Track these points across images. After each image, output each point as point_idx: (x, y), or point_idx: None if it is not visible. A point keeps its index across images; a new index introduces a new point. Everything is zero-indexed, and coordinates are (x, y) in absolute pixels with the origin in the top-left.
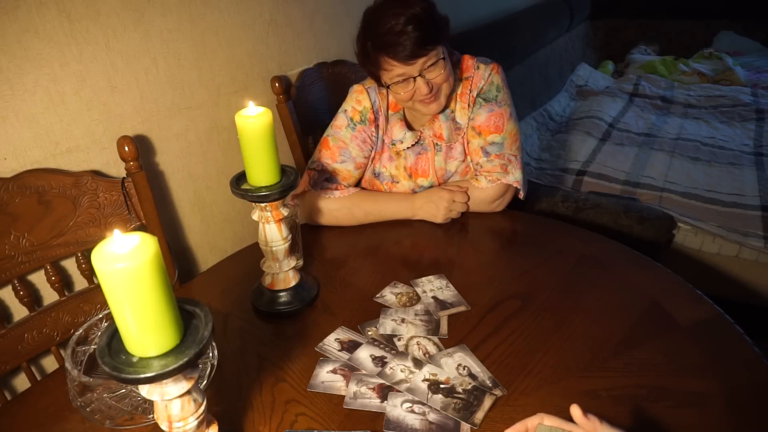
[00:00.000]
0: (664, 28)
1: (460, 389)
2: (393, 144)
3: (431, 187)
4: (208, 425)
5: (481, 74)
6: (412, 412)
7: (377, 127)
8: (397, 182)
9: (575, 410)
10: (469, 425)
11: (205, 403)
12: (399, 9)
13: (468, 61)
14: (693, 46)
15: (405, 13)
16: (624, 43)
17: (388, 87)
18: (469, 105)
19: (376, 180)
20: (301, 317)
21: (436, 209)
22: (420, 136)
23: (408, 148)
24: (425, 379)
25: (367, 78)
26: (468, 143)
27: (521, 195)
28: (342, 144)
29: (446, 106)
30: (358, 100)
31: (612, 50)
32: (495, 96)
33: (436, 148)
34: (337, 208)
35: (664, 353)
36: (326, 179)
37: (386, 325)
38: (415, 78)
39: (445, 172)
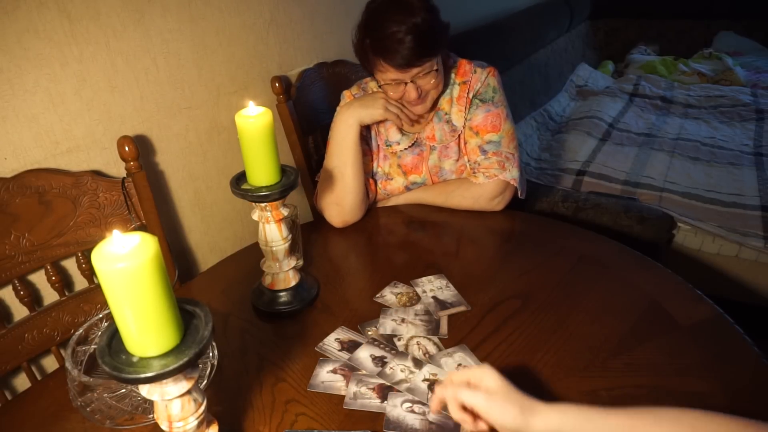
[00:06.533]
0: (664, 28)
1: None
2: (389, 145)
3: (424, 183)
4: (208, 425)
5: (478, 77)
6: (412, 412)
7: (368, 128)
8: (391, 179)
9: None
10: None
11: (205, 403)
12: (401, 15)
13: (465, 66)
14: (693, 46)
15: (406, 21)
16: (624, 43)
17: (380, 85)
18: (465, 107)
19: (371, 179)
20: (301, 317)
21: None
22: (417, 138)
23: (406, 149)
24: (425, 379)
25: (354, 85)
26: (465, 143)
27: (520, 194)
28: None
29: (439, 108)
30: None
31: (612, 50)
32: (492, 97)
33: (430, 147)
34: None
35: (664, 353)
36: None
37: (386, 325)
38: (406, 83)
39: (439, 170)
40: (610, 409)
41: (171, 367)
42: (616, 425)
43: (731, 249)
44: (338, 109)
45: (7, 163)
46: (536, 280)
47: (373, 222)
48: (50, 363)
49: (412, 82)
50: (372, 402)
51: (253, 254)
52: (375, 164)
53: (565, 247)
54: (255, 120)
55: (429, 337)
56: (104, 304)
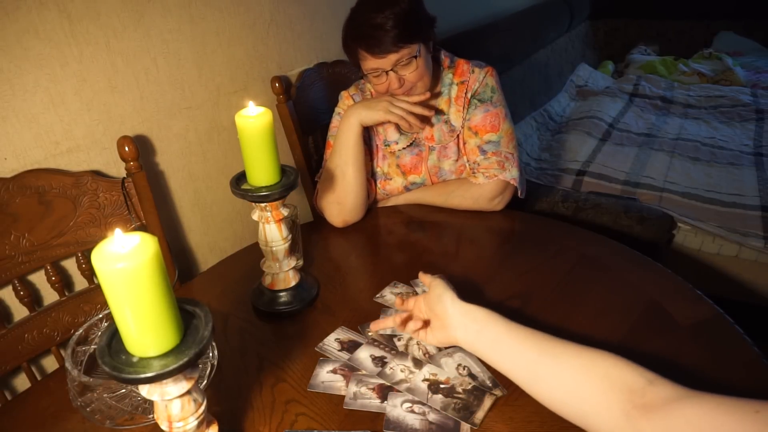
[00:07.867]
0: (664, 28)
1: (460, 389)
2: (387, 144)
3: (423, 184)
4: (208, 425)
5: (476, 77)
6: (412, 412)
7: (368, 129)
8: (390, 179)
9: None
10: (469, 425)
11: (205, 403)
12: (380, 3)
13: (463, 66)
14: (693, 46)
15: (387, 8)
16: (624, 43)
17: (363, 76)
18: (464, 107)
19: (371, 179)
20: (301, 317)
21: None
22: (415, 138)
23: (404, 148)
24: (425, 379)
25: (353, 85)
26: (464, 143)
27: (520, 193)
28: None
29: (438, 109)
30: (348, 104)
31: (612, 50)
32: (490, 97)
33: (429, 148)
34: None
35: (664, 353)
36: None
37: None
38: (387, 72)
39: (438, 170)
40: (521, 328)
41: (171, 368)
42: (514, 346)
43: (731, 249)
44: (337, 109)
45: (7, 163)
46: (536, 280)
47: (373, 222)
48: (50, 363)
49: (393, 71)
50: (372, 402)
51: (253, 254)
52: (374, 164)
53: (565, 247)
54: (255, 120)
55: None
56: (104, 304)
